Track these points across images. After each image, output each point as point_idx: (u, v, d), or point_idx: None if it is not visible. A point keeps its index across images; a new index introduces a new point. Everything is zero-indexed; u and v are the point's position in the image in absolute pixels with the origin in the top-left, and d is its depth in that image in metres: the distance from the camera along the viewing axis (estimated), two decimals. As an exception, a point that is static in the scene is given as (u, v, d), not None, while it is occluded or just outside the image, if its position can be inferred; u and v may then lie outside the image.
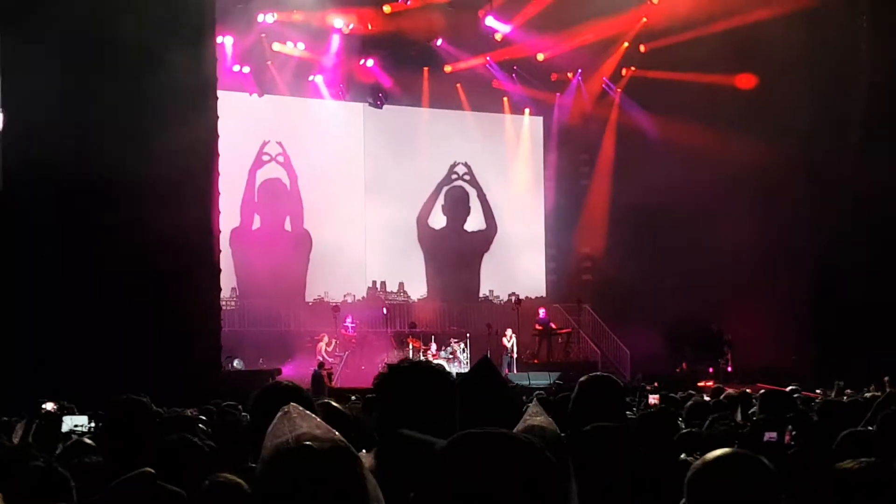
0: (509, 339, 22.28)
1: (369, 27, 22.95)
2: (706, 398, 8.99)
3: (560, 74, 25.56)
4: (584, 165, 26.32)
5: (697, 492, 2.42)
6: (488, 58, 24.54)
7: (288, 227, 24.39)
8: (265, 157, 24.16)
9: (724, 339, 21.92)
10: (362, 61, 23.66)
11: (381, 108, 24.33)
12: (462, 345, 21.82)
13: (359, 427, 3.86)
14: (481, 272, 26.14)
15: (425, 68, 24.48)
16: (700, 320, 21.62)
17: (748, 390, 9.03)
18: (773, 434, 4.20)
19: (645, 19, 23.03)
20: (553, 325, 23.60)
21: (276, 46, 22.69)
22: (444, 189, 26.11)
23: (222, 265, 16.91)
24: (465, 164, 26.22)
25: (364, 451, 2.32)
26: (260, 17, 21.63)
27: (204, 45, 15.95)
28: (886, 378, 12.36)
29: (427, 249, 25.60)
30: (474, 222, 26.32)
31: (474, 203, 26.31)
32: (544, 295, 26.20)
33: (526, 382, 18.61)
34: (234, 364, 19.58)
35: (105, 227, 14.05)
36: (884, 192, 18.54)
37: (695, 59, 21.03)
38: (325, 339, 21.46)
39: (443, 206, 26.02)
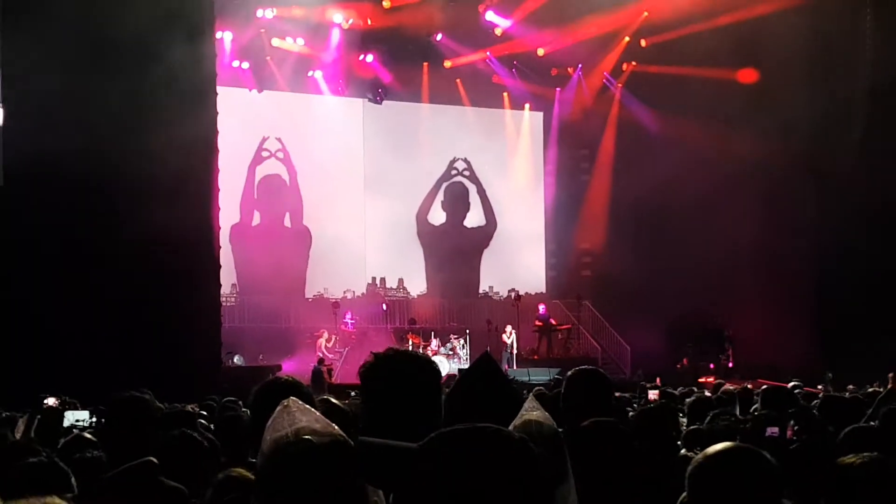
0: (509, 336, 22.29)
1: (369, 22, 22.92)
2: (707, 394, 8.99)
3: (560, 69, 25.54)
4: (584, 161, 26.31)
5: (699, 486, 2.41)
6: (488, 53, 24.53)
7: (287, 223, 24.39)
8: (265, 154, 24.15)
9: (725, 335, 21.95)
10: (362, 57, 23.63)
11: (380, 103, 24.30)
12: (462, 341, 21.82)
13: (358, 422, 3.85)
14: (481, 268, 26.14)
15: (425, 63, 24.44)
16: (701, 316, 21.62)
17: (749, 386, 9.03)
18: (776, 429, 4.18)
19: (646, 14, 23.00)
20: (553, 321, 23.59)
21: (276, 42, 22.65)
22: (444, 185, 26.10)
23: (222, 261, 16.90)
24: (465, 160, 26.20)
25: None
26: (259, 13, 21.60)
27: (203, 41, 15.92)
28: (891, 374, 12.35)
29: (427, 245, 25.59)
30: (474, 218, 26.31)
31: (474, 199, 26.30)
32: (544, 291, 26.19)
33: (526, 378, 18.62)
34: (235, 360, 19.61)
35: (105, 224, 14.04)
36: (886, 189, 18.54)
37: (696, 54, 21.00)
38: (325, 335, 21.47)
39: (442, 202, 26.01)
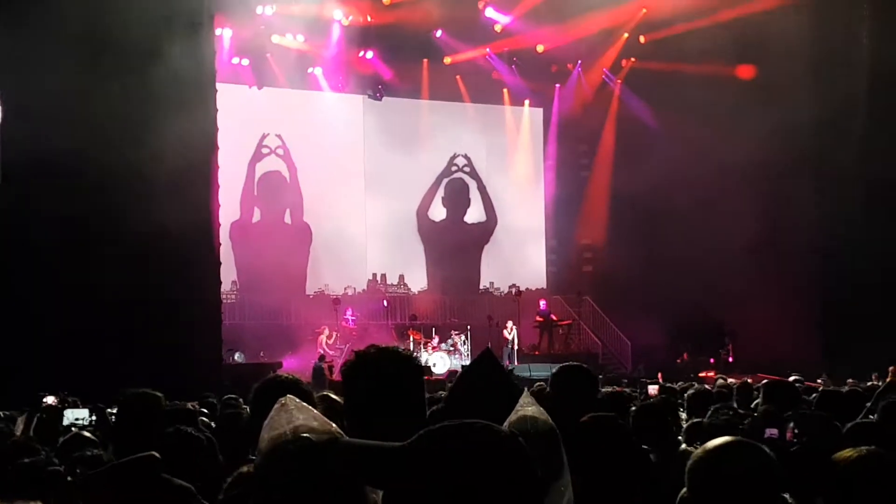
0: (510, 331, 22.29)
1: (368, 19, 22.90)
2: (707, 388, 8.98)
3: (560, 66, 25.52)
4: (584, 157, 26.30)
5: (699, 480, 2.41)
6: (488, 49, 24.50)
7: (288, 219, 24.38)
8: (265, 150, 24.13)
9: (726, 329, 21.94)
10: (362, 53, 23.59)
11: (380, 100, 24.29)
12: (463, 337, 21.82)
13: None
14: (482, 264, 26.14)
15: (425, 60, 24.42)
16: (701, 311, 21.62)
17: (749, 380, 9.02)
18: (775, 431, 4.17)
19: (645, 10, 22.97)
20: (554, 317, 23.60)
21: (276, 38, 22.61)
22: (444, 181, 26.09)
23: (222, 258, 16.89)
24: (465, 156, 26.19)
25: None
26: (259, 9, 21.54)
27: (203, 38, 15.91)
28: (892, 367, 12.33)
29: (427, 241, 25.59)
30: (474, 214, 26.31)
31: (474, 195, 26.29)
32: (545, 286, 26.20)
33: (527, 374, 18.62)
34: (236, 357, 19.62)
35: (104, 222, 14.03)
36: (886, 184, 18.52)
37: (695, 50, 20.97)
38: (326, 331, 21.47)
39: (443, 198, 26.00)
